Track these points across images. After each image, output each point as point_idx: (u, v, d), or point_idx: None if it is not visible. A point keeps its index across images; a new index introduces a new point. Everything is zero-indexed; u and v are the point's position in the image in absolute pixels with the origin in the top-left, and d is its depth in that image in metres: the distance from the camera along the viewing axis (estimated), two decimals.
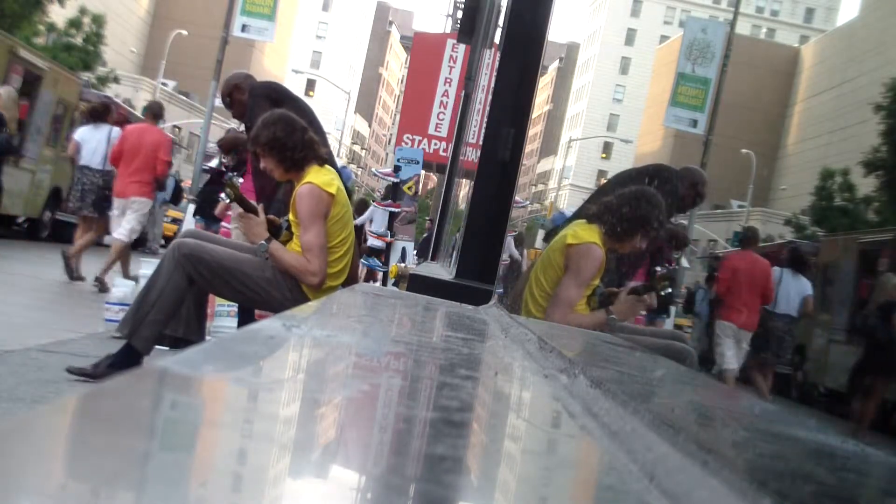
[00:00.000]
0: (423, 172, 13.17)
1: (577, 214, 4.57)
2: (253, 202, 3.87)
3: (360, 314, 2.04)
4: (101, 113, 9.70)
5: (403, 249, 11.57)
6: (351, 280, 3.96)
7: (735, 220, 39.30)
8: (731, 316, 8.40)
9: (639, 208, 3.71)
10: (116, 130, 9.35)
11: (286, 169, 3.83)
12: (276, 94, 5.14)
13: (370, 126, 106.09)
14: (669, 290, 3.89)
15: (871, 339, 9.51)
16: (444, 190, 12.25)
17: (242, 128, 5.56)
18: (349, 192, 4.45)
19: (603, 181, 5.10)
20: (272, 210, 4.17)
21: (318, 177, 3.78)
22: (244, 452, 0.65)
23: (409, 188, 9.79)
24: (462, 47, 15.60)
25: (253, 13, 19.24)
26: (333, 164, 4.26)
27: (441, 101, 16.33)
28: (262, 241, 3.70)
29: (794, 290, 9.28)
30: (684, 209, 5.07)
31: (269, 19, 19.24)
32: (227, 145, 5.76)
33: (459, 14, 16.86)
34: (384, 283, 8.88)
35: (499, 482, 0.76)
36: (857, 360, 10.26)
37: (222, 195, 3.83)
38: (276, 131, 3.78)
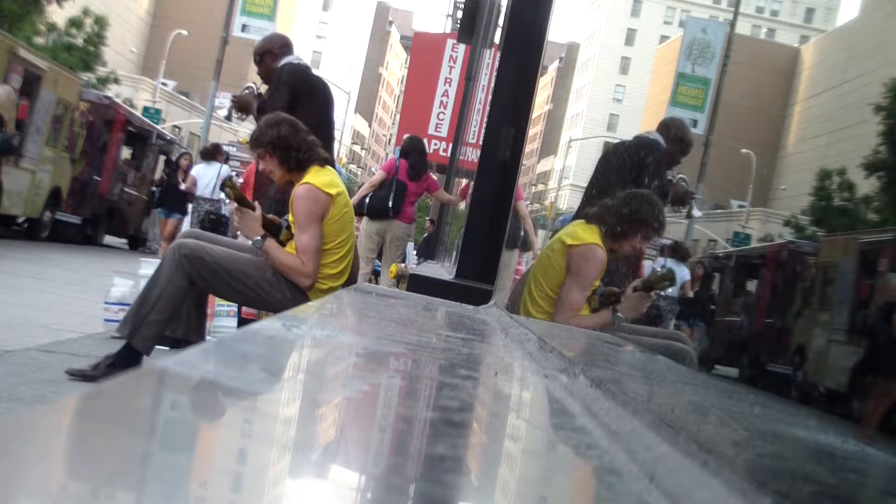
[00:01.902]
0: None
1: (578, 214, 4.58)
2: (252, 201, 3.87)
3: (360, 314, 2.04)
4: (213, 153, 12.16)
5: None
6: (351, 280, 3.96)
7: (735, 220, 39.30)
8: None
9: (638, 210, 3.71)
10: (226, 168, 11.99)
11: (288, 169, 3.82)
12: (299, 86, 5.14)
13: (370, 126, 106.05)
14: (669, 289, 3.90)
15: (871, 339, 9.51)
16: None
17: (263, 89, 5.56)
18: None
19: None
20: (265, 208, 4.17)
21: (318, 177, 3.77)
22: (244, 452, 0.65)
23: None
24: (462, 47, 15.60)
25: (253, 13, 19.26)
26: (332, 162, 4.25)
27: (441, 101, 16.33)
28: (258, 238, 3.70)
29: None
30: (678, 161, 5.04)
31: (269, 19, 19.26)
32: (240, 103, 5.80)
33: (459, 14, 16.87)
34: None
35: (499, 482, 0.76)
36: (857, 360, 10.27)
37: (222, 194, 3.82)
38: (280, 131, 3.78)
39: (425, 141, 15.98)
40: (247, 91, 5.66)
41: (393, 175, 7.80)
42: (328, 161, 3.93)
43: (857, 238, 14.05)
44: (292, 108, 4.92)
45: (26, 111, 12.76)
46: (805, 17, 76.02)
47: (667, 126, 5.01)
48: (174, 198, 12.58)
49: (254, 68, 5.64)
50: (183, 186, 12.11)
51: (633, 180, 4.64)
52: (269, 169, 3.84)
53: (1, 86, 10.85)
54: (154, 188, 15.46)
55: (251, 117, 5.61)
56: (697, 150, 18.47)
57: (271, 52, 5.29)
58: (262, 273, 3.71)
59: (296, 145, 3.78)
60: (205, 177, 11.66)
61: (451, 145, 14.60)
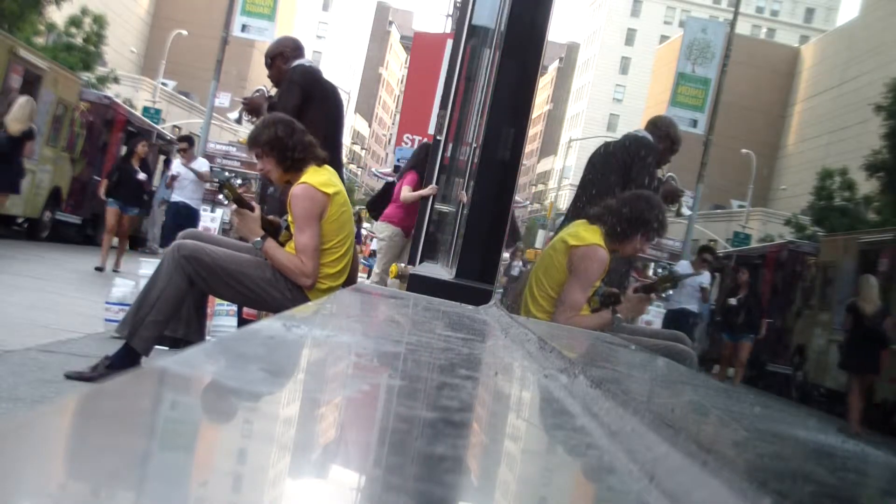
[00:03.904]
0: None
1: (575, 213, 4.57)
2: (251, 202, 3.87)
3: (360, 314, 2.04)
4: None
5: None
6: (351, 280, 3.96)
7: (735, 220, 39.29)
8: None
9: (639, 210, 3.72)
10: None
11: (285, 169, 3.83)
12: (310, 87, 5.13)
13: (370, 126, 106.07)
14: (671, 291, 3.90)
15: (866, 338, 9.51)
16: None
17: (273, 92, 5.57)
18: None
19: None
20: (270, 208, 4.17)
21: (315, 177, 3.77)
22: (244, 452, 0.65)
23: None
24: None
25: (253, 13, 19.26)
26: (339, 165, 4.24)
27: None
28: (258, 239, 3.70)
29: None
30: (667, 160, 5.03)
31: (269, 19, 19.26)
32: (251, 106, 5.81)
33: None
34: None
35: (499, 482, 0.76)
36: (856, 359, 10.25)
37: (221, 196, 3.83)
38: (276, 131, 3.78)
39: (426, 140, 16.08)
40: (257, 94, 5.68)
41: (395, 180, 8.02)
42: (326, 161, 3.92)
43: (857, 238, 14.06)
44: (302, 109, 4.92)
45: None
46: (805, 17, 76.03)
47: (655, 125, 5.00)
48: (128, 189, 11.33)
49: (254, 68, 5.69)
50: (170, 175, 11.43)
51: (624, 179, 4.64)
52: (267, 169, 3.85)
53: (21, 97, 10.61)
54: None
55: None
56: (697, 150, 18.46)
57: (283, 55, 5.29)
58: (261, 273, 3.71)
59: (291, 145, 3.78)
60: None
61: (451, 145, 14.60)
